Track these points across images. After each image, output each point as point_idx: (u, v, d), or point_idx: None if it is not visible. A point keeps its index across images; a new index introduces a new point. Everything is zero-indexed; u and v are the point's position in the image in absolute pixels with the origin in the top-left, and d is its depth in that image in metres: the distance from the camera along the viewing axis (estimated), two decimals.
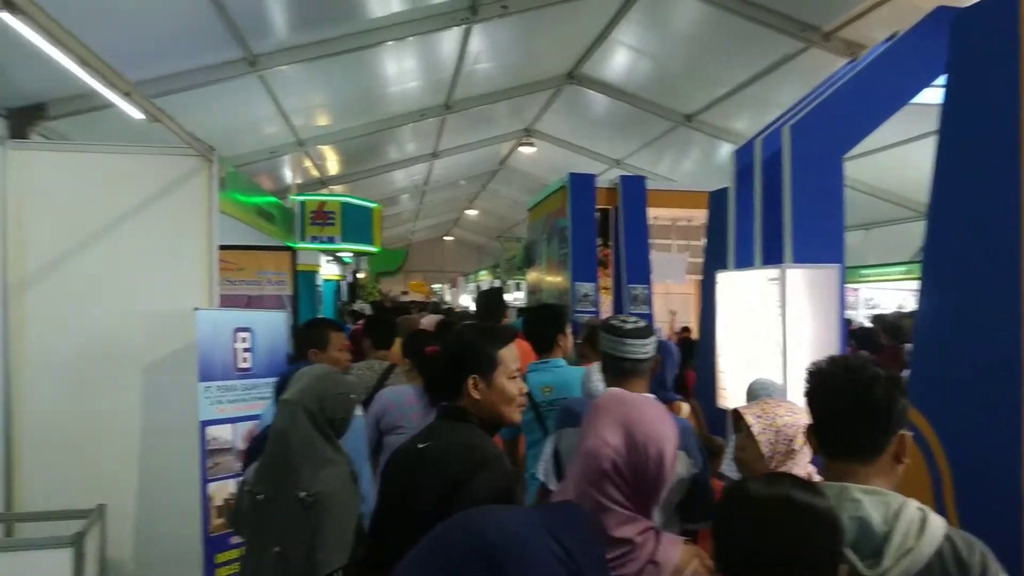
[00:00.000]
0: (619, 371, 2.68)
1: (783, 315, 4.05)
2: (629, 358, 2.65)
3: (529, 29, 10.33)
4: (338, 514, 2.48)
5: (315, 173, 14.26)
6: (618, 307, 8.22)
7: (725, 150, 13.59)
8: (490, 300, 5.63)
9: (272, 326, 4.47)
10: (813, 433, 1.75)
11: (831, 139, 4.14)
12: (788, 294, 4.06)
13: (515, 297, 18.59)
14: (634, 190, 8.21)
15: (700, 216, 9.20)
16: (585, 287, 8.07)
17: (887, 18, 8.82)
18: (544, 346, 3.96)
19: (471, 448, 2.05)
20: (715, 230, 5.33)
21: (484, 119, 14.26)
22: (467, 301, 24.20)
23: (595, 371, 3.35)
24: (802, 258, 4.13)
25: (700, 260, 9.42)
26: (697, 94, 11.94)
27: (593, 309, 8.09)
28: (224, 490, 4.14)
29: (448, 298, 31.25)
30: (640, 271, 8.11)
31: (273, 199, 6.29)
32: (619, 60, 11.67)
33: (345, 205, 7.42)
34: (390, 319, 5.26)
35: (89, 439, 4.17)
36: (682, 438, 2.20)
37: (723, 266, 4.95)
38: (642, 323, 2.75)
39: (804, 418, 1.97)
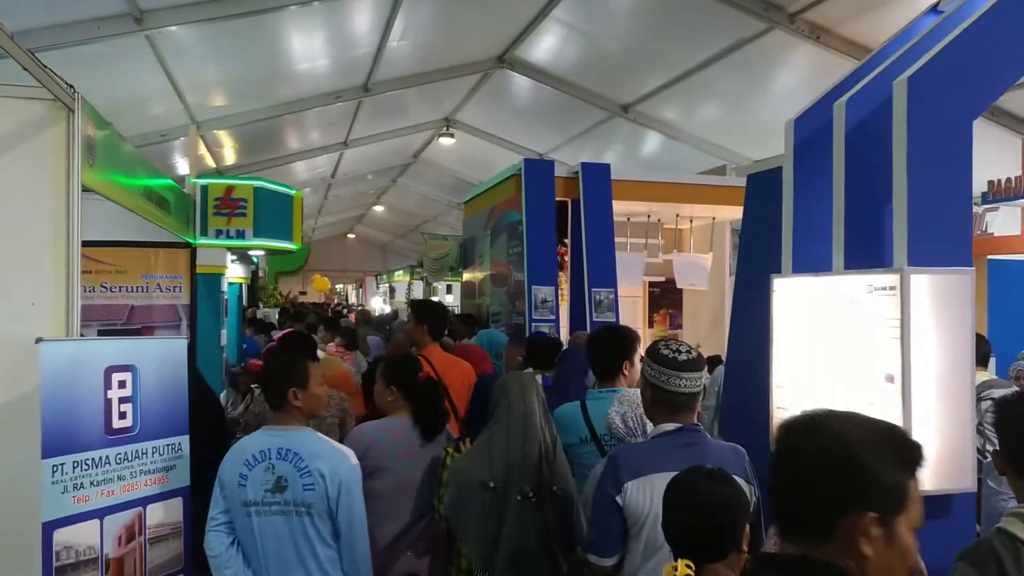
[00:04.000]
0: (673, 406, 2.51)
1: (904, 336, 2.84)
2: (685, 392, 2.49)
3: (462, 2, 8.95)
4: None
5: (211, 163, 12.36)
6: (577, 314, 6.94)
7: (653, 143, 12.57)
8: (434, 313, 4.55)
9: (166, 360, 2.92)
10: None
11: (962, 96, 2.97)
12: (912, 308, 2.85)
13: (443, 301, 17.07)
14: (597, 179, 6.95)
15: (661, 211, 8.06)
16: (543, 291, 6.75)
17: (855, 1, 7.95)
18: (607, 372, 3.49)
19: None
20: (758, 223, 4.09)
21: (401, 107, 12.73)
22: (378, 304, 22.40)
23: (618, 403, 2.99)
24: (919, 259, 2.94)
25: (656, 260, 8.35)
26: (639, 81, 10.83)
27: (551, 317, 6.79)
28: None
29: (353, 299, 29.27)
30: (605, 273, 6.86)
31: (168, 181, 4.67)
32: (557, 42, 10.39)
33: (259, 191, 5.81)
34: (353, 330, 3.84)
35: None
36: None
37: (772, 268, 3.72)
38: (693, 351, 2.54)
39: None
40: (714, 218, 8.39)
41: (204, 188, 5.71)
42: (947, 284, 2.90)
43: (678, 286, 8.45)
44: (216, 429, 3.67)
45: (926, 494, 3.01)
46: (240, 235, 5.61)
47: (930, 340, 2.88)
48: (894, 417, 2.89)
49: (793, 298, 3.52)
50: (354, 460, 2.93)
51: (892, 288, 2.91)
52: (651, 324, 9.44)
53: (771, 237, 3.82)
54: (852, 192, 3.29)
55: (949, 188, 2.99)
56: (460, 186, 18.10)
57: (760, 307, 3.83)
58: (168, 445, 2.92)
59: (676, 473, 2.03)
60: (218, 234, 5.60)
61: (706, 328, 8.85)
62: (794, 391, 3.49)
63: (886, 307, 2.94)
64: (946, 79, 2.96)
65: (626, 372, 3.44)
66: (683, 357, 2.47)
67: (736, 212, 8.49)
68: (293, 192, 6.65)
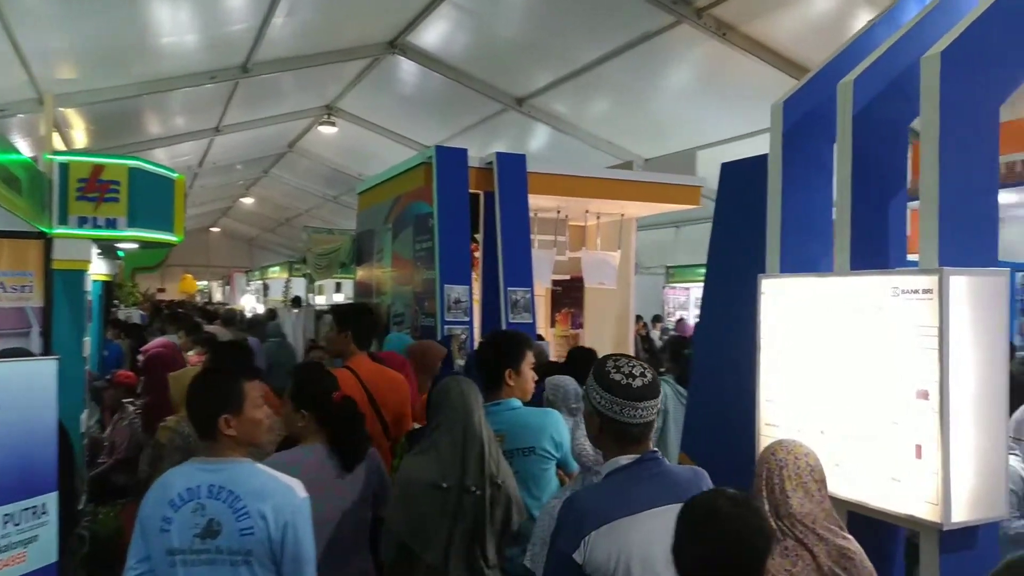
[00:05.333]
0: (625, 438, 2.15)
1: (943, 346, 2.45)
2: (640, 423, 2.13)
3: None
4: None
5: (59, 145, 10.82)
6: (491, 315, 6.36)
7: (541, 137, 12.18)
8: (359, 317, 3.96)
9: (25, 388, 2.09)
10: None
11: (994, 74, 2.62)
12: (952, 314, 2.46)
13: (330, 300, 15.88)
14: (513, 171, 6.38)
15: (569, 207, 7.61)
16: (456, 290, 6.11)
17: (763, 1, 7.81)
18: (489, 383, 3.19)
19: None
20: (735, 216, 3.65)
21: (279, 91, 11.70)
22: (250, 302, 20.80)
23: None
24: (950, 258, 2.56)
25: (562, 258, 7.90)
26: (537, 74, 10.38)
27: (466, 319, 6.17)
28: None
29: (218, 297, 27.21)
30: (521, 271, 6.31)
31: (19, 156, 3.70)
32: (453, 29, 9.77)
33: (136, 173, 4.79)
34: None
35: None
36: None
37: (752, 267, 3.28)
38: (648, 373, 2.16)
39: None
40: (623, 215, 8.03)
41: (63, 167, 4.64)
42: (983, 287, 2.54)
43: (587, 285, 8.06)
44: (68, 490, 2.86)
45: (959, 526, 2.70)
46: (111, 224, 4.58)
47: (966, 351, 2.51)
48: (927, 438, 2.51)
49: (785, 301, 3.09)
50: (302, 493, 2.42)
51: (927, 291, 2.51)
52: (552, 324, 9.02)
53: (750, 233, 3.39)
54: (859, 184, 2.88)
55: (980, 179, 2.63)
56: (338, 178, 17.06)
57: (738, 310, 3.39)
58: (28, 510, 2.09)
59: (646, 515, 1.95)
60: (82, 222, 4.55)
61: (610, 328, 8.51)
62: (788, 407, 3.06)
63: (918, 313, 2.54)
64: (981, 55, 2.60)
65: (510, 382, 3.16)
66: (637, 383, 2.11)
67: (643, 209, 8.23)
68: (175, 175, 5.64)
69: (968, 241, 2.60)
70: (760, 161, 3.39)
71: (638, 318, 10.86)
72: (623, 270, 8.20)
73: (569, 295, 8.86)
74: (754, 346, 3.19)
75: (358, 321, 3.79)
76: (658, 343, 12.33)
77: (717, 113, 9.79)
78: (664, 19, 8.12)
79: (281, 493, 2.36)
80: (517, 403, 3.23)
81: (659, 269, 14.58)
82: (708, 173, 8.37)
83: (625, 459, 2.14)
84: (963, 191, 2.59)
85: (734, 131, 9.71)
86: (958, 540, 2.57)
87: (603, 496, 2.13)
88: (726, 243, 3.64)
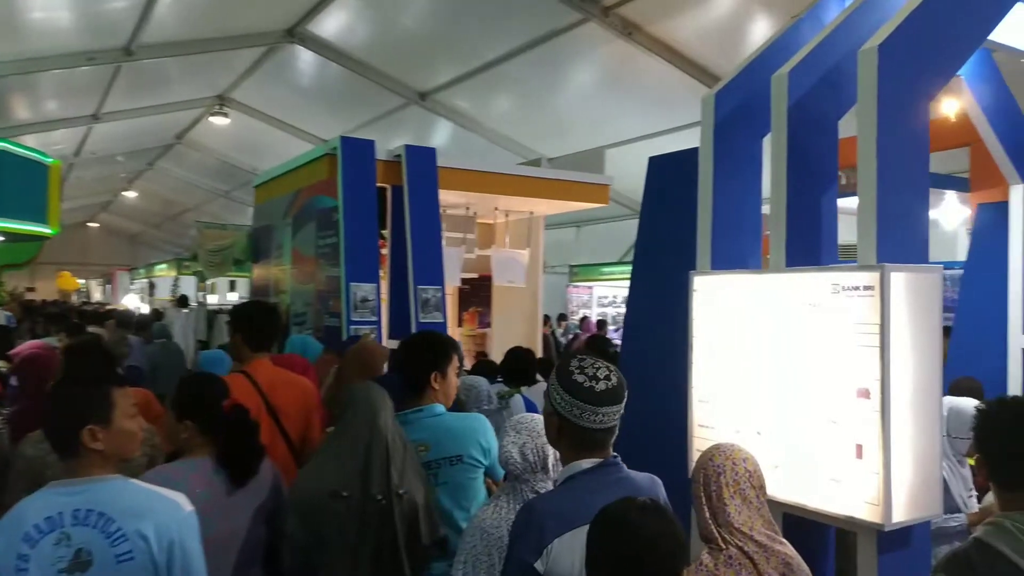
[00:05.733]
0: (585, 443, 2.03)
1: (884, 344, 2.40)
2: (602, 428, 2.02)
3: None
4: None
5: None
6: (400, 314, 6.08)
7: (443, 133, 11.94)
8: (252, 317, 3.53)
9: None
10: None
11: (928, 68, 2.58)
12: (892, 310, 2.41)
13: (224, 300, 15.00)
14: (423, 165, 6.11)
15: (478, 204, 7.41)
16: (363, 289, 5.80)
17: (668, 2, 7.84)
18: (412, 387, 2.93)
19: None
20: (663, 211, 3.53)
21: (165, 78, 10.97)
22: (133, 301, 19.45)
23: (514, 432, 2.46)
24: (888, 255, 2.51)
25: (471, 256, 7.69)
26: (441, 68, 10.13)
27: (373, 318, 5.88)
28: None
29: (98, 296, 25.43)
30: (432, 269, 6.07)
31: None
32: (355, 18, 9.41)
33: (2, 156, 4.21)
34: None
35: None
36: None
37: (680, 264, 3.17)
38: (613, 376, 2.02)
39: None
40: (532, 212, 7.90)
41: None
42: (921, 284, 2.50)
43: (496, 283, 7.89)
44: None
45: (898, 527, 2.66)
46: None
47: (904, 349, 2.46)
48: (868, 438, 2.45)
49: (719, 299, 2.99)
50: (188, 507, 2.12)
51: (868, 288, 2.44)
52: (460, 323, 8.80)
53: (679, 228, 3.29)
54: (793, 178, 2.81)
55: (915, 175, 2.60)
56: (230, 172, 16.25)
57: (667, 309, 3.29)
58: None
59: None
60: None
61: (518, 327, 8.37)
62: (723, 408, 2.96)
63: (858, 310, 2.47)
64: (917, 47, 2.56)
65: (435, 386, 2.92)
66: (601, 387, 2.00)
67: (552, 207, 8.13)
68: (49, 160, 5.04)
69: (903, 238, 2.57)
70: (688, 155, 3.29)
71: (545, 318, 10.78)
72: (532, 268, 8.08)
73: (477, 294, 8.67)
74: (686, 345, 3.08)
75: (251, 321, 3.43)
76: (562, 341, 12.32)
77: (621, 113, 9.82)
78: (571, 17, 8.04)
79: (163, 509, 2.06)
80: (441, 408, 2.97)
81: (563, 268, 14.62)
82: (613, 173, 8.39)
83: (587, 463, 2.04)
84: (899, 187, 2.55)
85: (639, 131, 9.77)
86: (896, 540, 2.53)
87: (564, 502, 2.01)
88: (654, 239, 3.53)
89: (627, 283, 13.51)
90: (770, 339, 2.77)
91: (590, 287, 14.10)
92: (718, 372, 2.98)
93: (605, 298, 14.01)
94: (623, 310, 14.52)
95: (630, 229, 14.72)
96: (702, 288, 3.04)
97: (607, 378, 2.01)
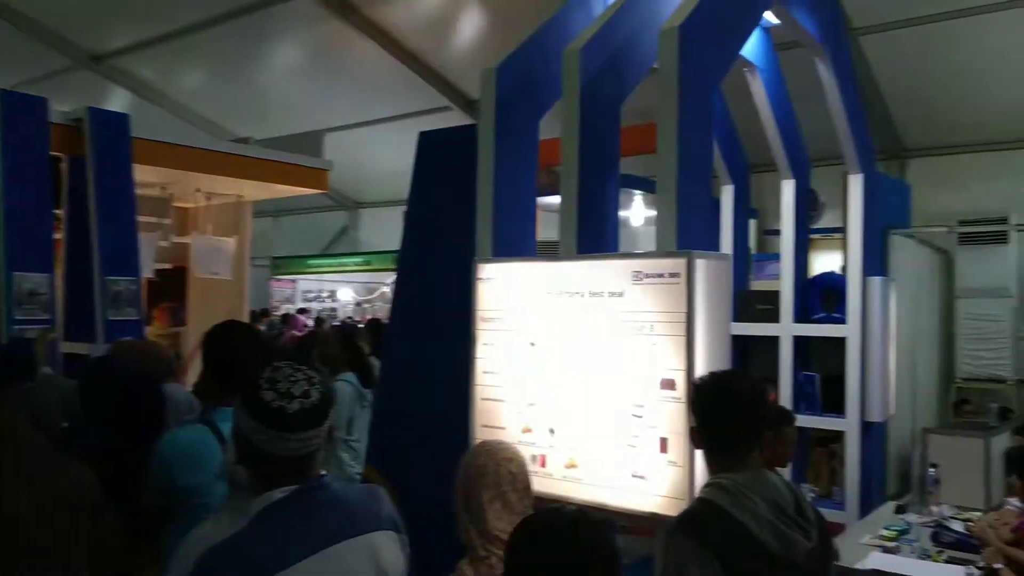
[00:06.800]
0: (275, 472, 1.58)
1: (690, 333, 2.31)
2: (298, 456, 1.58)
3: None
4: None
5: None
6: (80, 310, 4.97)
7: (119, 103, 10.32)
8: None
9: None
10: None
11: (718, 53, 2.55)
12: (698, 299, 2.33)
13: None
14: (113, 132, 5.03)
15: (176, 184, 6.39)
16: (32, 280, 4.62)
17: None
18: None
19: None
20: (435, 191, 3.15)
21: None
22: None
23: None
24: (683, 242, 2.44)
25: (165, 244, 6.61)
26: (119, 29, 8.69)
27: (46, 316, 4.72)
28: None
29: None
30: (125, 256, 5.04)
31: None
32: None
33: None
34: None
35: None
36: None
37: (465, 250, 2.87)
38: (314, 392, 1.57)
39: None
40: (240, 196, 7.03)
41: None
42: (716, 272, 2.46)
43: (197, 275, 6.91)
44: None
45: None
46: None
47: (702, 337, 2.40)
48: (672, 431, 2.35)
49: (506, 289, 2.73)
50: None
51: (674, 275, 2.34)
52: (148, 321, 7.56)
53: (455, 211, 2.97)
54: (591, 161, 2.65)
55: (699, 157, 2.56)
56: None
57: (441, 300, 2.95)
58: None
59: (318, 557, 1.51)
60: None
61: None
62: (511, 406, 2.70)
63: (662, 298, 2.36)
64: (709, 32, 2.52)
65: None
66: (295, 407, 1.55)
67: (263, 191, 7.32)
68: None
69: (696, 226, 2.52)
70: (463, 132, 2.98)
71: (256, 314, 9.81)
72: (238, 259, 7.20)
73: (170, 288, 7.51)
74: (468, 339, 2.76)
75: None
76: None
77: (332, 96, 9.26)
78: None
79: None
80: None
81: (263, 260, 13.50)
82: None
83: (280, 492, 1.58)
84: (694, 171, 2.50)
85: (353, 118, 9.28)
86: None
87: (254, 545, 1.52)
88: (426, 223, 3.14)
89: (333, 276, 12.82)
90: (564, 331, 2.58)
91: (294, 281, 13.20)
92: (505, 368, 2.71)
93: (310, 292, 13.21)
94: (328, 304, 13.92)
95: (334, 220, 14.10)
96: (487, 277, 2.75)
97: (304, 395, 1.57)
